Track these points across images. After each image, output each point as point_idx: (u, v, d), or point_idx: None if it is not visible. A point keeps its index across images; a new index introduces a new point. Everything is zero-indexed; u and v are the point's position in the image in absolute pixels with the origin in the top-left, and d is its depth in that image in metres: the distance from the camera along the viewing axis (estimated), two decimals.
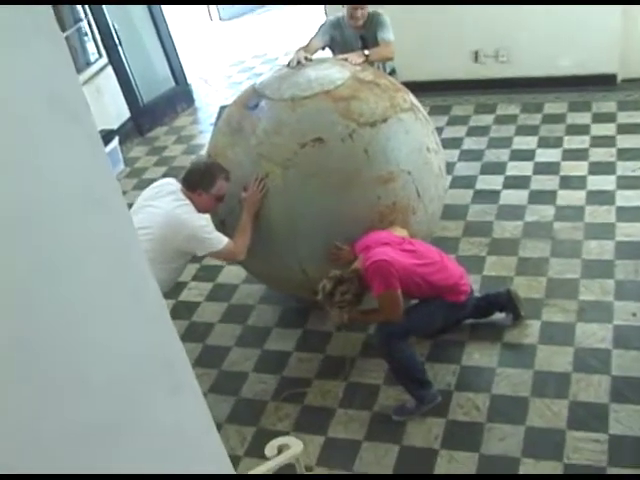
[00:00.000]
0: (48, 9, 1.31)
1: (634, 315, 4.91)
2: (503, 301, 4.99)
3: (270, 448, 3.02)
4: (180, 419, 1.71)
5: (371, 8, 5.88)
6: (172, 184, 4.67)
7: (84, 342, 1.34)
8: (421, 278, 4.41)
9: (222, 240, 4.52)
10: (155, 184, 4.78)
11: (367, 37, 5.89)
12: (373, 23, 5.85)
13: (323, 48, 5.99)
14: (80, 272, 1.33)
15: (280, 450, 3.03)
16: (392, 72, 6.18)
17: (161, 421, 1.63)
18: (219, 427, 4.65)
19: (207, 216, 4.87)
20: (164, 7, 9.03)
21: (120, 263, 1.45)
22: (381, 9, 5.97)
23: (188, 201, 4.49)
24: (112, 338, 1.42)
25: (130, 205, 4.63)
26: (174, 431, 1.68)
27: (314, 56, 5.45)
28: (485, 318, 5.03)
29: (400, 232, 4.67)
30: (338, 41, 5.96)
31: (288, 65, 5.11)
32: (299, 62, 5.05)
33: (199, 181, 4.54)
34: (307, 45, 5.69)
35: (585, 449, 4.16)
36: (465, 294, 4.61)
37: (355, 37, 5.92)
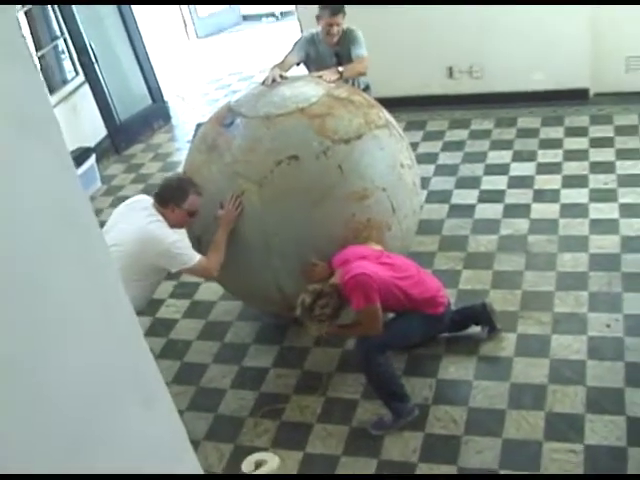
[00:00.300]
0: (18, 33, 1.33)
1: (608, 326, 4.97)
2: (478, 314, 5.03)
3: (247, 464, 3.03)
4: (154, 433, 1.73)
5: (345, 25, 5.93)
6: (144, 200, 4.68)
7: (55, 357, 1.36)
8: (400, 291, 4.44)
9: (195, 256, 4.53)
10: (127, 201, 4.80)
11: (341, 53, 5.94)
12: (347, 39, 5.91)
13: (298, 64, 6.04)
14: (51, 289, 1.35)
15: (257, 466, 3.04)
16: (366, 88, 6.23)
17: (135, 434, 1.64)
18: (197, 444, 4.65)
19: (183, 230, 4.88)
20: (141, 24, 9.05)
21: (91, 280, 1.47)
22: (356, 24, 6.02)
23: (161, 217, 4.50)
24: (83, 353, 1.44)
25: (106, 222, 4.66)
26: (148, 444, 1.70)
27: (289, 72, 5.51)
28: (461, 331, 5.06)
29: (375, 247, 4.70)
30: (313, 57, 6.01)
31: (263, 83, 5.14)
32: (274, 80, 5.08)
33: (171, 196, 4.55)
34: (282, 61, 5.74)
35: (561, 460, 4.20)
36: (443, 306, 4.64)
37: (330, 53, 5.97)
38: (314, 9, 6.06)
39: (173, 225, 4.55)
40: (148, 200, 4.65)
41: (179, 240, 4.54)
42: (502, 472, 4.19)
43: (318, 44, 5.99)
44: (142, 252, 4.39)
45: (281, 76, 5.13)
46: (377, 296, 4.31)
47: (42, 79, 7.64)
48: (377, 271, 4.37)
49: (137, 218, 4.49)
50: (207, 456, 4.60)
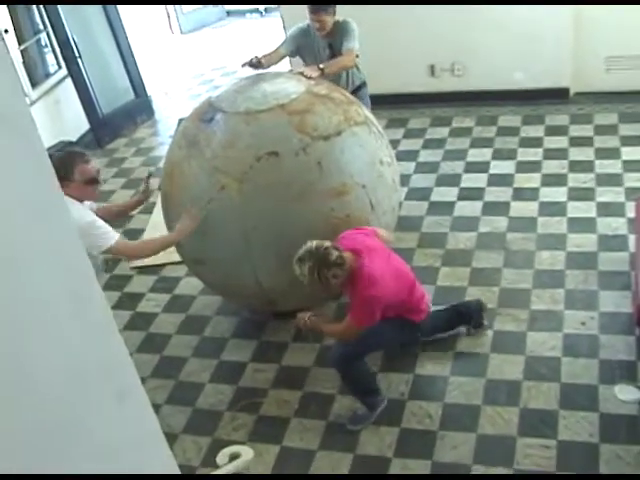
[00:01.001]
0: None
1: (583, 324, 5.02)
2: (472, 312, 5.04)
3: (221, 456, 3.04)
4: (127, 426, 1.75)
5: (340, 17, 5.93)
6: None
7: (26, 350, 1.38)
8: (398, 303, 4.45)
9: (113, 236, 4.37)
10: None
11: (334, 45, 5.93)
12: (340, 31, 5.89)
13: (291, 55, 6.08)
14: (22, 282, 1.37)
15: (231, 458, 3.06)
16: (362, 85, 6.22)
17: (108, 427, 1.66)
18: (175, 437, 4.68)
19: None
20: (124, 19, 9.04)
21: (64, 273, 1.49)
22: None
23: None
24: (55, 345, 1.46)
25: None
26: (121, 437, 1.72)
27: (278, 65, 5.57)
28: (447, 332, 5.06)
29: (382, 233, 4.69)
30: (307, 48, 6.00)
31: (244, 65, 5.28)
32: (252, 62, 5.23)
33: (60, 175, 4.45)
34: (275, 50, 5.80)
35: (535, 455, 4.24)
36: (424, 313, 4.69)
37: (323, 44, 5.95)
38: (298, 6, 6.08)
39: (78, 200, 4.37)
40: None
41: (96, 220, 4.36)
42: (476, 467, 4.23)
43: (313, 35, 5.96)
44: None
45: (259, 62, 5.22)
46: (376, 317, 4.30)
47: (18, 74, 7.64)
48: (389, 284, 4.31)
49: None
50: (185, 449, 4.63)
